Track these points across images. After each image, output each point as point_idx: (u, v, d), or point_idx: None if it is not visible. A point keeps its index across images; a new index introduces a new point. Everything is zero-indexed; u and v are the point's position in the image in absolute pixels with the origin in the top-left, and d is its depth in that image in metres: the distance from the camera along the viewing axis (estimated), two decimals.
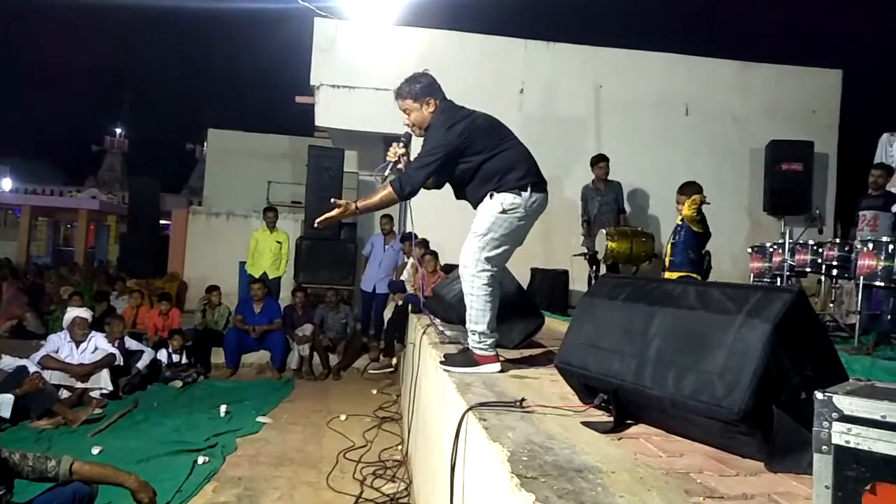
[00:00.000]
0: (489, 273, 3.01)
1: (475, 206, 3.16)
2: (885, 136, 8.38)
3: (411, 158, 3.16)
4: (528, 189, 3.01)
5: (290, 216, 10.94)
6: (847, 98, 9.23)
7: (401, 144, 3.21)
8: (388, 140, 9.69)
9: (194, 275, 11.10)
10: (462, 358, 3.05)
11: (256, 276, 8.50)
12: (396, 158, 3.18)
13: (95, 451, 4.47)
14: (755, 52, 9.28)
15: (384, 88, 8.61)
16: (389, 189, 3.06)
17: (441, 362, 3.07)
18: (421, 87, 3.17)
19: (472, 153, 3.05)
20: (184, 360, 7.29)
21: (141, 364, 6.62)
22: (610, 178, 7.82)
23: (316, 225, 3.17)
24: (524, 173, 3.03)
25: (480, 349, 3.00)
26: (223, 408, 5.74)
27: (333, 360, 7.87)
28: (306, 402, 6.39)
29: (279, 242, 8.81)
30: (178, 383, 6.81)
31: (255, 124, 14.45)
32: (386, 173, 3.20)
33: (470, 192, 3.18)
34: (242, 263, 9.28)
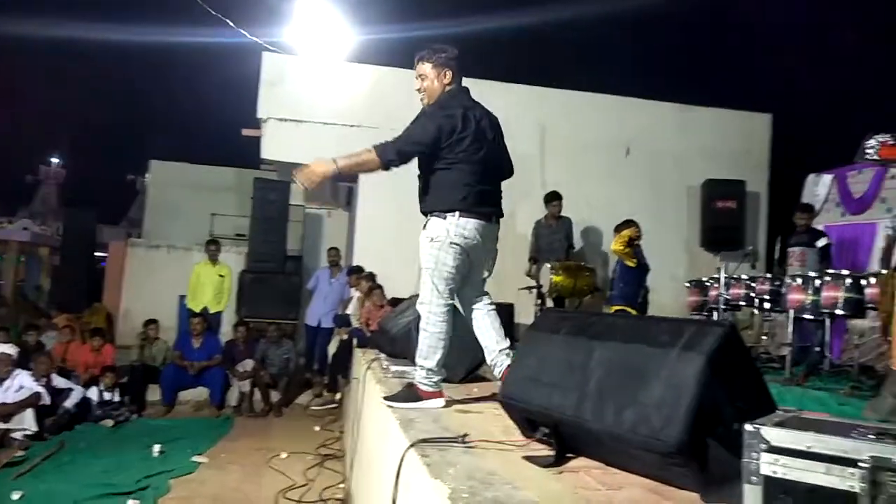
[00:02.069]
0: (444, 308, 2.98)
1: (423, 214, 3.10)
2: (811, 176, 8.84)
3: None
4: (457, 214, 2.94)
5: (233, 249, 10.71)
6: (776, 140, 9.72)
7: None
8: (335, 174, 9.68)
9: (132, 309, 10.71)
10: (406, 393, 3.01)
11: (197, 310, 8.27)
12: (309, 182, 3.05)
13: (16, 496, 4.22)
14: (692, 96, 9.66)
15: (333, 123, 8.62)
16: (374, 155, 2.93)
17: (385, 398, 3.03)
18: (446, 56, 3.09)
19: (444, 154, 2.97)
20: (116, 398, 6.97)
21: (69, 403, 6.31)
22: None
23: (299, 181, 2.99)
24: (459, 196, 2.94)
25: (425, 385, 2.98)
26: (157, 447, 5.50)
27: (275, 396, 7.67)
28: (246, 440, 6.19)
29: (221, 276, 8.61)
30: (109, 422, 6.51)
31: (200, 156, 14.12)
32: (326, 189, 3.12)
33: (421, 199, 3.12)
34: (182, 297, 9.02)
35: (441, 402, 2.98)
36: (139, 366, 7.63)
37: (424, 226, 3.06)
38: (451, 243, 2.93)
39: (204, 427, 6.59)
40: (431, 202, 3.03)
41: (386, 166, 2.95)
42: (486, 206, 3.05)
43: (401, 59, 9.54)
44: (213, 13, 8.06)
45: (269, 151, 8.67)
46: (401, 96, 8.78)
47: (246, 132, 9.69)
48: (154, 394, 7.43)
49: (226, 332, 8.55)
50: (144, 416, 7.08)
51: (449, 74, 3.09)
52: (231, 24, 8.36)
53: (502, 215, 3.21)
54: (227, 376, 7.53)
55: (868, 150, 1.95)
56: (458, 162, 2.97)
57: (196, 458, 5.37)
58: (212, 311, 8.41)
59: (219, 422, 6.92)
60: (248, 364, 7.59)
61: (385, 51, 10.48)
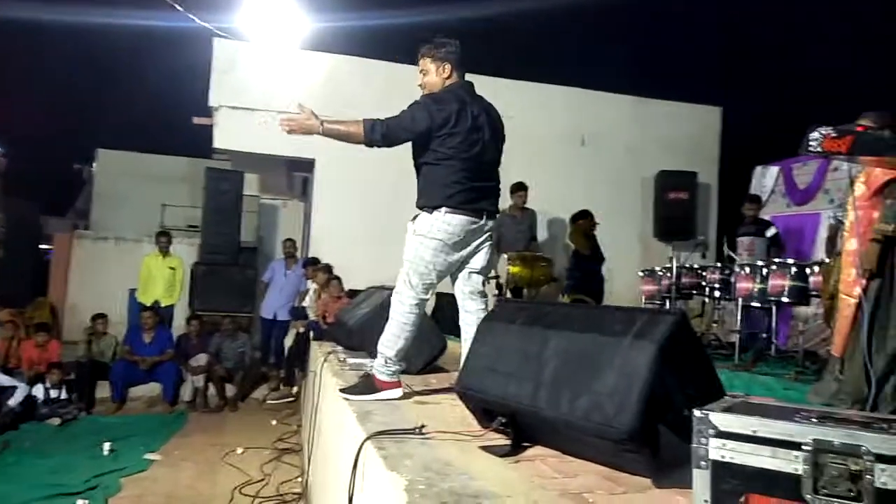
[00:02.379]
0: (414, 301, 2.96)
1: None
2: (758, 168, 9.11)
3: None
4: (443, 209, 2.91)
5: (185, 241, 10.46)
6: (726, 133, 9.97)
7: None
8: (291, 163, 9.54)
9: (79, 303, 10.39)
10: (362, 385, 2.99)
11: (147, 303, 8.07)
12: (297, 129, 3.05)
13: None
14: (646, 88, 9.82)
15: (287, 111, 8.46)
16: (361, 129, 2.87)
17: (341, 390, 3.01)
18: (445, 50, 3.06)
19: (435, 147, 2.93)
20: (63, 396, 6.76)
21: (13, 401, 6.11)
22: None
23: (280, 124, 2.99)
24: (447, 193, 2.91)
25: (383, 373, 2.96)
26: (107, 445, 5.36)
27: (231, 390, 7.55)
28: (200, 436, 6.08)
29: (172, 268, 8.41)
30: (56, 420, 6.31)
31: (149, 145, 13.70)
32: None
33: (418, 190, 3.08)
34: (132, 291, 8.79)
35: (398, 392, 2.97)
36: (87, 362, 7.41)
37: (413, 219, 3.03)
38: (432, 238, 2.92)
39: (156, 423, 6.45)
40: (422, 197, 3.02)
41: (369, 144, 2.91)
42: (478, 202, 3.00)
43: (356, 48, 9.45)
44: None
45: (221, 140, 8.49)
46: (357, 85, 8.76)
47: (197, 120, 9.46)
48: (103, 390, 7.23)
49: (178, 325, 8.36)
50: (94, 413, 6.89)
51: (448, 68, 3.07)
52: (179, 7, 8.12)
53: (498, 212, 3.17)
54: (180, 371, 7.38)
55: (811, 143, 2.00)
56: (449, 158, 2.93)
57: (148, 456, 5.26)
58: (163, 304, 8.21)
59: (172, 418, 6.78)
60: (201, 358, 7.45)
61: (341, 39, 10.36)
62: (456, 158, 2.93)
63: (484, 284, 3.22)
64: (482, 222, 3.02)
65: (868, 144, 1.92)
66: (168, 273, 8.35)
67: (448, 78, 3.08)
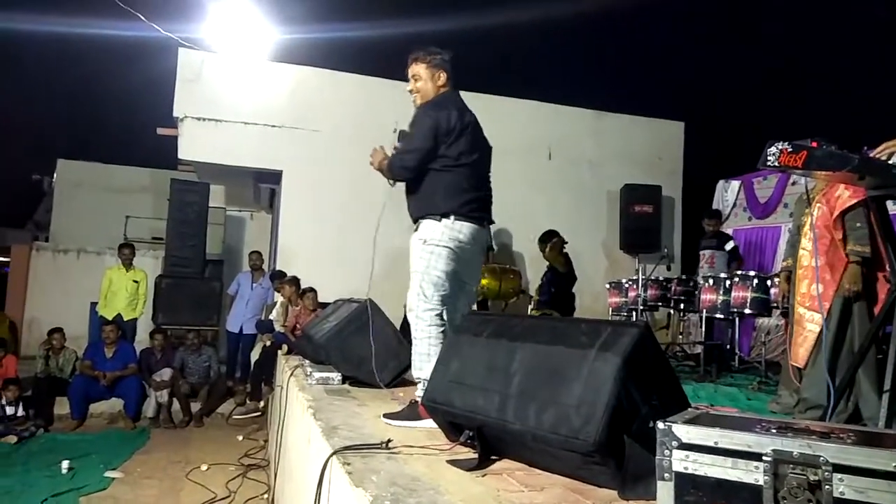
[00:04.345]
0: (433, 312, 2.83)
1: (412, 217, 3.02)
2: (721, 182, 9.32)
3: None
4: (451, 217, 2.85)
5: (149, 253, 10.28)
6: (689, 147, 10.17)
7: (398, 139, 3.10)
8: (258, 175, 9.44)
9: (39, 317, 10.11)
10: (407, 411, 2.77)
11: (109, 317, 7.87)
12: (375, 165, 3.08)
13: None
14: (611, 103, 9.97)
15: (254, 122, 8.40)
16: (386, 165, 2.97)
17: (385, 415, 2.81)
18: (440, 58, 3.05)
19: (442, 152, 2.91)
20: (20, 413, 6.55)
21: None
22: None
23: (372, 156, 3.05)
24: (456, 200, 2.87)
25: None
26: (65, 464, 5.19)
27: (196, 406, 7.39)
28: (163, 453, 5.94)
29: (136, 281, 8.22)
30: (13, 438, 6.11)
31: (112, 155, 13.45)
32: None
33: (409, 204, 3.03)
34: (94, 304, 8.57)
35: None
36: (44, 377, 7.19)
37: (416, 228, 2.95)
38: (444, 246, 2.84)
39: (117, 440, 6.28)
40: (425, 205, 2.92)
41: (394, 178, 2.97)
42: (481, 210, 2.98)
43: (324, 60, 9.42)
44: (122, 6, 7.68)
45: (186, 151, 8.36)
46: (325, 97, 8.72)
47: (161, 131, 9.32)
48: (63, 407, 7.01)
49: (142, 340, 8.18)
50: (52, 430, 6.67)
51: (443, 76, 3.05)
52: (142, 18, 8.01)
53: (493, 221, 3.15)
54: (143, 386, 7.20)
55: (769, 157, 2.06)
56: (457, 165, 2.91)
57: (109, 474, 5.11)
58: (126, 318, 8.02)
59: (133, 434, 6.61)
60: (165, 373, 7.28)
61: (310, 50, 10.33)
62: (462, 165, 2.92)
63: (475, 294, 3.19)
64: (484, 230, 3.00)
65: (819, 159, 1.98)
66: (131, 286, 8.16)
67: (443, 86, 3.06)
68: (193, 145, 8.28)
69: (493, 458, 2.11)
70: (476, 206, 2.95)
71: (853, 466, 1.18)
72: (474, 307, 3.14)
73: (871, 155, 2.27)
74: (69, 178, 13.23)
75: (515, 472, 2.00)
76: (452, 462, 2.05)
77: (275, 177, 8.83)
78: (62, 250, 11.01)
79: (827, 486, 1.20)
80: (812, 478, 1.21)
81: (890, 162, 2.15)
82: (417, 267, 2.87)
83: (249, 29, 9.72)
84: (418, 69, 3.05)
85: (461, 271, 2.95)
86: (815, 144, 2.03)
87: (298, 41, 10.61)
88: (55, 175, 13.39)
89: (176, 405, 7.29)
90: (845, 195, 3.34)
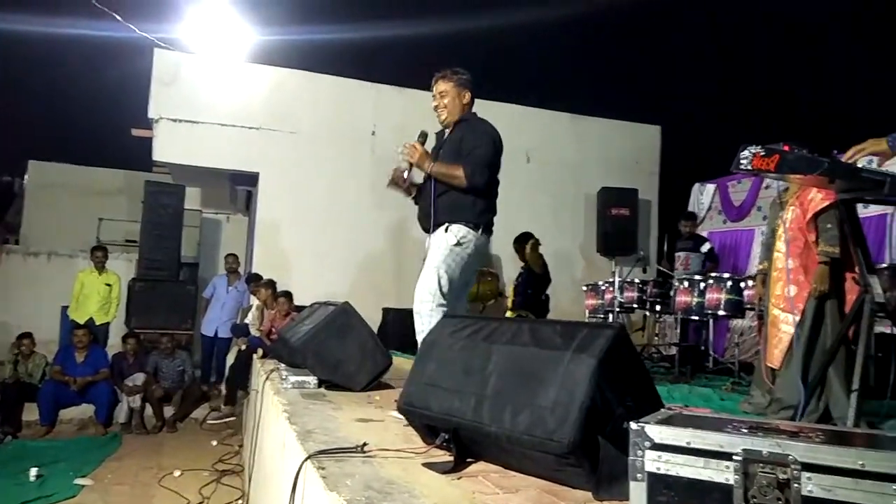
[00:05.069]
0: (443, 309, 2.98)
1: (426, 226, 3.15)
2: (696, 185, 9.43)
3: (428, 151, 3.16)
4: (481, 229, 3.08)
5: (122, 256, 10.12)
6: (665, 150, 10.28)
7: (418, 141, 3.18)
8: (234, 177, 9.34)
9: (8, 321, 9.90)
10: None
11: (81, 321, 7.73)
12: (414, 159, 3.13)
13: None
14: (588, 106, 10.04)
15: (231, 124, 8.32)
16: (462, 172, 3.02)
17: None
18: (466, 78, 3.23)
19: None
20: None
21: None
22: None
23: (404, 153, 3.12)
24: (487, 216, 3.11)
25: None
26: (34, 471, 5.09)
27: (169, 411, 7.28)
28: (135, 459, 5.84)
29: (108, 285, 8.09)
30: None
31: (85, 157, 13.22)
32: (412, 177, 3.24)
33: (437, 208, 3.14)
34: (65, 308, 8.42)
35: None
36: (12, 383, 7.03)
37: (445, 230, 3.08)
38: (469, 253, 3.04)
39: (88, 447, 6.17)
40: (462, 213, 3.08)
41: (472, 187, 3.07)
42: (492, 224, 3.22)
43: (301, 62, 9.36)
44: (98, 5, 7.57)
45: (161, 153, 8.26)
46: (302, 98, 8.67)
47: (136, 132, 9.19)
48: (32, 413, 6.86)
49: (114, 344, 8.04)
50: (21, 437, 6.54)
51: (468, 95, 3.24)
52: (118, 17, 7.90)
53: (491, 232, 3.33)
54: (114, 392, 7.08)
55: (742, 161, 2.09)
56: (497, 182, 3.17)
57: (79, 481, 5.02)
58: (98, 322, 7.89)
59: (104, 440, 6.50)
60: (138, 378, 7.17)
61: (287, 53, 10.26)
62: (497, 183, 3.18)
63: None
64: (487, 238, 3.22)
65: (791, 163, 2.02)
66: (104, 290, 8.03)
67: (468, 105, 3.24)
68: (169, 147, 8.19)
69: (469, 460, 2.10)
70: (492, 221, 3.22)
71: (821, 465, 1.19)
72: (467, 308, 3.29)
73: (842, 159, 2.31)
74: (41, 179, 12.99)
75: (491, 475, 1.99)
76: (428, 465, 2.04)
77: (251, 179, 8.75)
78: (33, 253, 10.80)
79: (795, 485, 1.21)
80: (781, 476, 1.23)
81: (859, 165, 2.19)
82: (438, 264, 3.02)
83: (226, 30, 9.64)
84: (446, 87, 3.22)
85: (469, 277, 3.18)
86: (787, 148, 2.06)
87: (276, 42, 10.55)
88: (26, 177, 13.14)
89: (149, 410, 7.19)
90: (818, 198, 3.40)
